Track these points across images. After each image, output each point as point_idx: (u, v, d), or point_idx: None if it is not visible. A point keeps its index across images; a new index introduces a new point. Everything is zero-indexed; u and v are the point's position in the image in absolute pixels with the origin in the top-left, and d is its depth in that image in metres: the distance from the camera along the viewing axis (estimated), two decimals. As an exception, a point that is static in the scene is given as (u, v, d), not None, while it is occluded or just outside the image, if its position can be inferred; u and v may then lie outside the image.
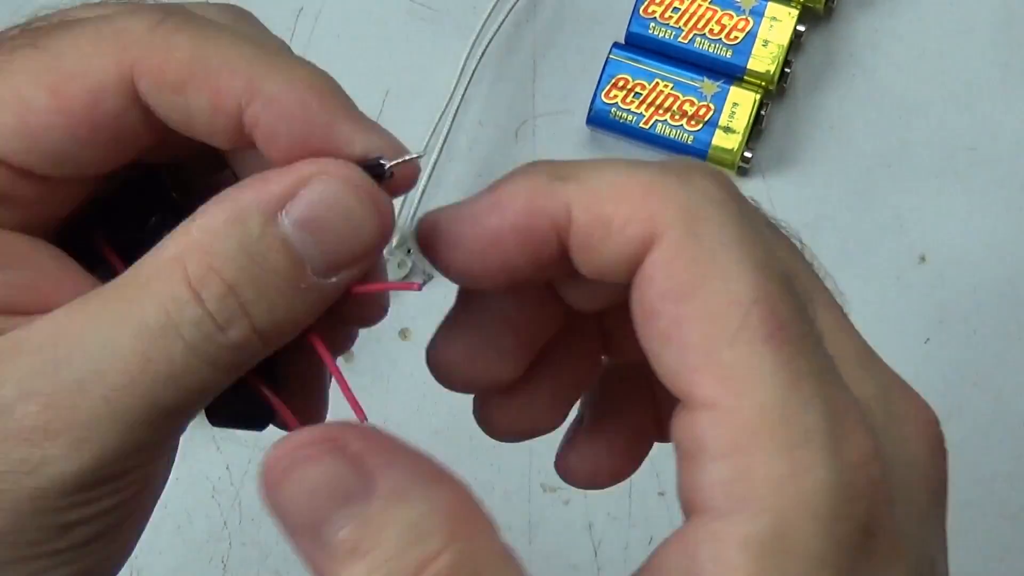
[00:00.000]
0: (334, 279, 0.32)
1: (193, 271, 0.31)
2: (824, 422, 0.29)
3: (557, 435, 0.40)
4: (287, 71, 0.33)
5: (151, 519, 0.37)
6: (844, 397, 0.30)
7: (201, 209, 0.32)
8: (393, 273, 0.69)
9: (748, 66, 0.68)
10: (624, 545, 0.67)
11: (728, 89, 0.68)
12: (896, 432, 0.33)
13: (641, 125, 0.69)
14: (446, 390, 0.37)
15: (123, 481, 0.33)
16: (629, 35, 0.69)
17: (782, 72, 0.69)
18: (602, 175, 0.32)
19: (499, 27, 0.70)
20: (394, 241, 0.69)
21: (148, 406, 0.31)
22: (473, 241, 0.33)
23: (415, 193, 0.69)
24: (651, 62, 0.69)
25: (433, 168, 0.69)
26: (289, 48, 0.36)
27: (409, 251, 0.70)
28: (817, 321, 0.31)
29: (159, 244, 0.32)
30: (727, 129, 0.68)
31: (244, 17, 0.36)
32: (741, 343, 0.29)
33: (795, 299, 0.30)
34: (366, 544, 0.28)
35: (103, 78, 0.32)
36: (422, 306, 0.69)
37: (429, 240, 0.33)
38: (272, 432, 0.35)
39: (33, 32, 0.33)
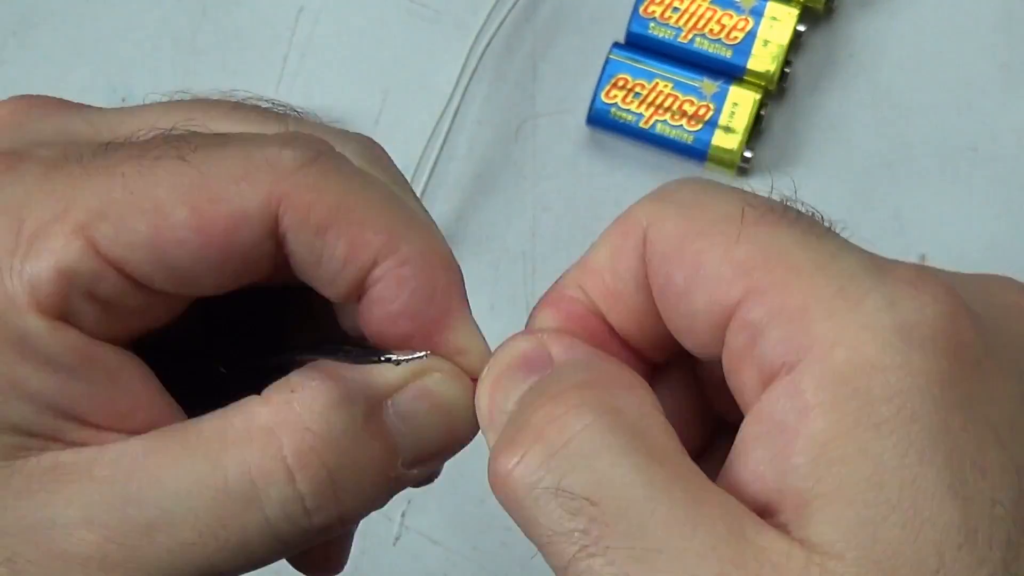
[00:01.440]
0: (415, 471, 0.32)
1: (290, 450, 0.30)
2: (867, 271, 0.30)
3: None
4: (422, 239, 0.33)
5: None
6: (894, 264, 0.31)
7: (300, 379, 0.32)
8: None
9: (748, 66, 0.68)
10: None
11: (728, 89, 0.68)
12: (996, 302, 0.32)
13: (641, 125, 0.69)
14: None
15: None
16: (629, 35, 0.69)
17: (782, 72, 0.69)
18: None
19: (499, 27, 0.70)
20: None
21: (207, 567, 0.31)
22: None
23: (415, 190, 0.69)
24: (651, 62, 0.69)
25: (433, 168, 0.69)
26: (415, 196, 0.37)
27: None
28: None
29: (249, 404, 0.32)
30: (727, 129, 0.68)
31: (380, 158, 0.36)
32: (841, 308, 0.30)
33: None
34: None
35: (248, 206, 0.32)
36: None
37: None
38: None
39: (179, 143, 0.33)
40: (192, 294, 0.33)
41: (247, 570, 0.32)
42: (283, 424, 0.31)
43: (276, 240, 0.32)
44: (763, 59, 0.68)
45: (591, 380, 0.30)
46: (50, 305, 0.31)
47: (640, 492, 0.28)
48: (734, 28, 0.68)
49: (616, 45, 0.69)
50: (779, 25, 0.68)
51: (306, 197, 0.32)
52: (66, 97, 0.72)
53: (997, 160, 0.69)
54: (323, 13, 0.72)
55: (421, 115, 0.71)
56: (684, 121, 0.68)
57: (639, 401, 0.30)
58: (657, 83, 0.68)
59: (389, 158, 0.37)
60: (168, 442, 0.32)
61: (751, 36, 0.68)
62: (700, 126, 0.68)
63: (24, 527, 0.31)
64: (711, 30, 0.69)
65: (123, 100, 0.72)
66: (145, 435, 0.32)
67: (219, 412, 0.32)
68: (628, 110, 0.69)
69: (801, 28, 0.68)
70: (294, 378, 0.32)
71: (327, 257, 0.32)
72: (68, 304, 0.31)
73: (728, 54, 0.69)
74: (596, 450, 0.28)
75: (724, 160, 0.68)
